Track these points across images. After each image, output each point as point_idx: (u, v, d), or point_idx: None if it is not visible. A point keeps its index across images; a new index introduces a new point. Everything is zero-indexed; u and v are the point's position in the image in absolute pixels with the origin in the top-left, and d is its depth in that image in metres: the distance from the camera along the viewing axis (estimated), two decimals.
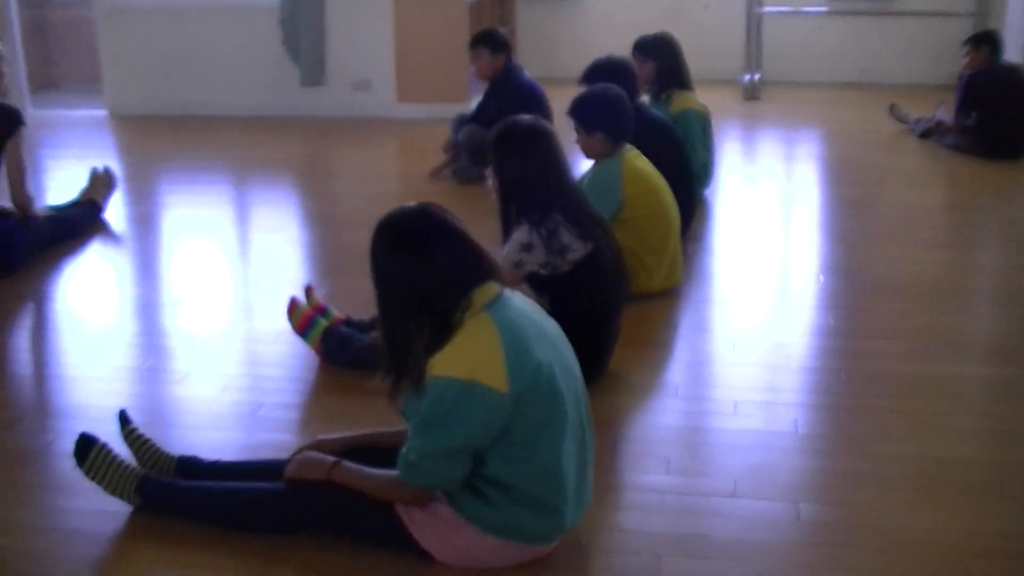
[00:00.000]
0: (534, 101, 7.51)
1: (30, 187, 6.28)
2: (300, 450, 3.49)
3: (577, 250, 4.35)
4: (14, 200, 6.21)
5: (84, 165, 7.24)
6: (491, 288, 3.14)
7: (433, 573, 3.23)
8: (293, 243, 6.83)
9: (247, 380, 4.75)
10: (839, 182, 8.27)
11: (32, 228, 6.20)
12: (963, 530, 3.49)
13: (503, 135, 4.41)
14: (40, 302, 5.80)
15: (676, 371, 4.89)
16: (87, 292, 5.95)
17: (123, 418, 3.72)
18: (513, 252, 4.38)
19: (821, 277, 5.97)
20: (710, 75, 10.90)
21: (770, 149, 9.79)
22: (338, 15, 10.33)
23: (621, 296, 4.57)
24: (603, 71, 6.16)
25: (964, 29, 10.93)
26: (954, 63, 9.94)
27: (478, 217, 4.24)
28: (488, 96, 8.00)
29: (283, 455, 3.58)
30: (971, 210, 7.53)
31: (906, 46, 12.04)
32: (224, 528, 3.43)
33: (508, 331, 3.05)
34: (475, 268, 3.14)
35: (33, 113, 10.66)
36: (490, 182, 4.46)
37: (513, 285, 3.34)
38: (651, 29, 7.49)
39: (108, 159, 8.20)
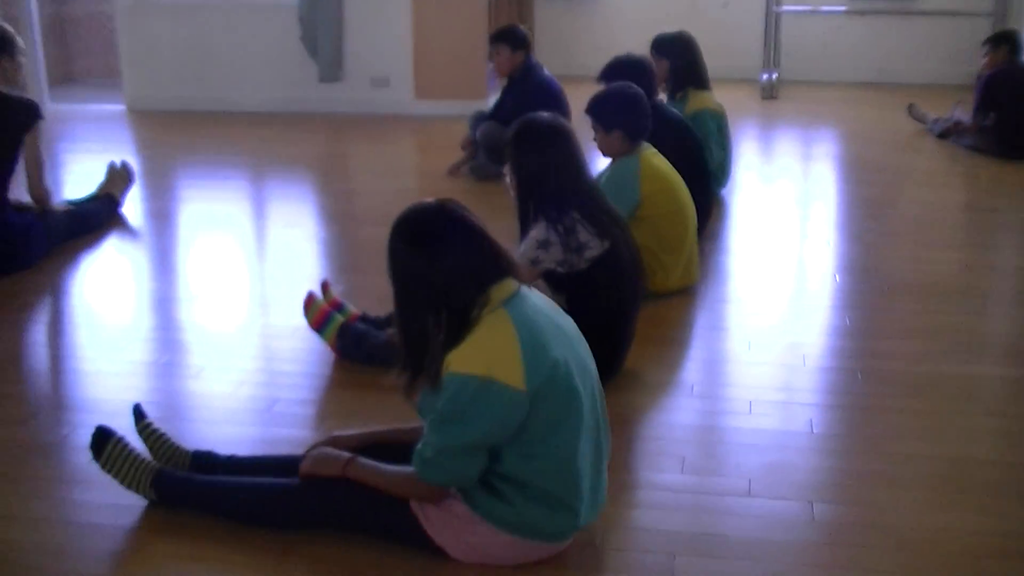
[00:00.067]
0: (552, 99, 7.50)
1: (48, 181, 6.28)
2: (315, 446, 3.49)
3: (594, 248, 4.35)
4: (32, 194, 6.22)
5: (102, 160, 7.25)
6: (509, 285, 3.14)
7: (447, 570, 3.23)
8: (310, 239, 6.83)
9: (263, 375, 4.75)
10: (856, 182, 8.26)
11: (50, 222, 6.21)
12: (978, 530, 3.48)
13: (522, 132, 4.41)
14: (57, 296, 5.82)
15: (692, 370, 4.89)
16: (104, 287, 5.96)
17: (138, 413, 3.73)
18: (530, 249, 4.37)
19: (837, 277, 5.96)
20: (728, 74, 10.90)
21: (787, 148, 9.77)
22: (357, 12, 10.34)
23: (638, 294, 4.57)
24: (621, 69, 6.17)
25: (983, 29, 10.91)
26: (972, 63, 9.93)
27: (495, 214, 4.24)
28: (506, 93, 8.00)
29: (298, 451, 3.59)
30: (988, 211, 7.51)
31: (925, 46, 12.02)
32: (239, 523, 3.43)
33: (525, 328, 3.05)
34: (493, 265, 3.13)
35: (51, 107, 10.71)
36: (508, 179, 4.46)
37: (530, 282, 3.34)
38: (669, 27, 7.49)
39: (126, 154, 8.21)
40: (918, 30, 11.98)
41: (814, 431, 4.16)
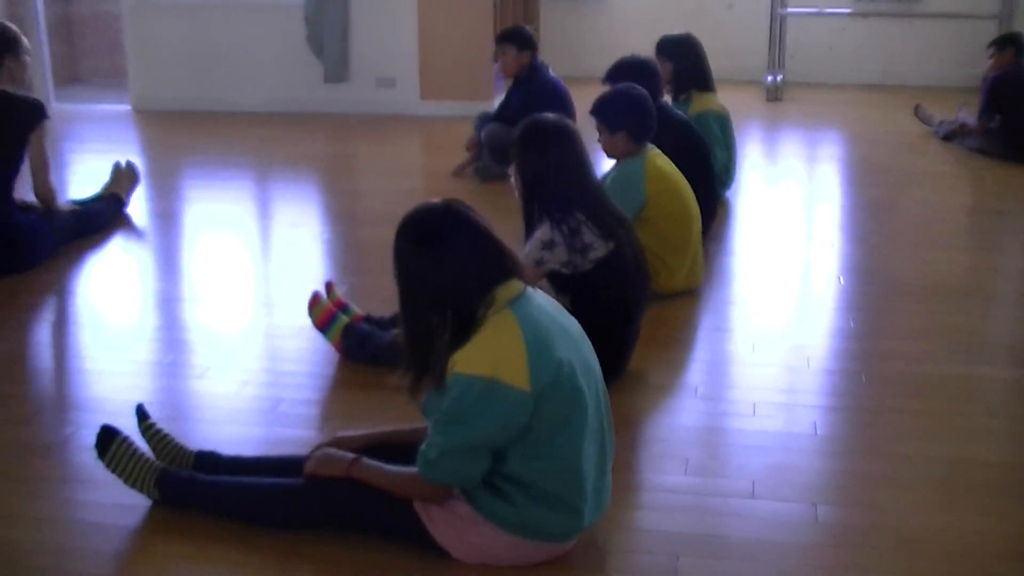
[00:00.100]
0: (558, 100, 7.50)
1: (53, 181, 6.29)
2: (319, 447, 3.50)
3: (599, 249, 4.35)
4: (37, 193, 6.22)
5: (107, 160, 7.26)
6: (514, 286, 3.14)
7: (450, 571, 3.23)
8: (314, 239, 6.83)
9: (267, 376, 4.76)
10: (861, 184, 8.25)
11: (55, 222, 6.21)
12: (981, 531, 3.48)
13: (527, 133, 4.41)
14: (62, 296, 5.82)
15: (696, 371, 4.88)
16: (108, 286, 5.96)
17: (140, 413, 3.73)
18: (535, 250, 4.37)
19: (841, 279, 5.96)
20: (733, 75, 10.90)
21: (792, 150, 9.77)
22: (362, 12, 10.35)
23: (642, 296, 4.57)
24: (626, 70, 6.16)
25: (988, 31, 10.91)
26: (977, 65, 9.92)
27: (500, 215, 4.23)
28: (512, 94, 8.00)
29: (302, 451, 3.59)
30: (993, 213, 7.50)
31: (930, 48, 12.02)
32: (242, 523, 3.43)
33: (530, 329, 3.05)
34: (499, 266, 3.14)
35: (57, 107, 10.73)
36: (513, 180, 4.47)
37: (534, 283, 3.35)
38: (674, 28, 7.49)
39: (131, 154, 8.23)
40: (923, 32, 11.98)
41: (818, 433, 4.16)
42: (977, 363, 4.86)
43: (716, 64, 7.41)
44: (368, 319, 4.86)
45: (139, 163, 7.36)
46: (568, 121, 4.51)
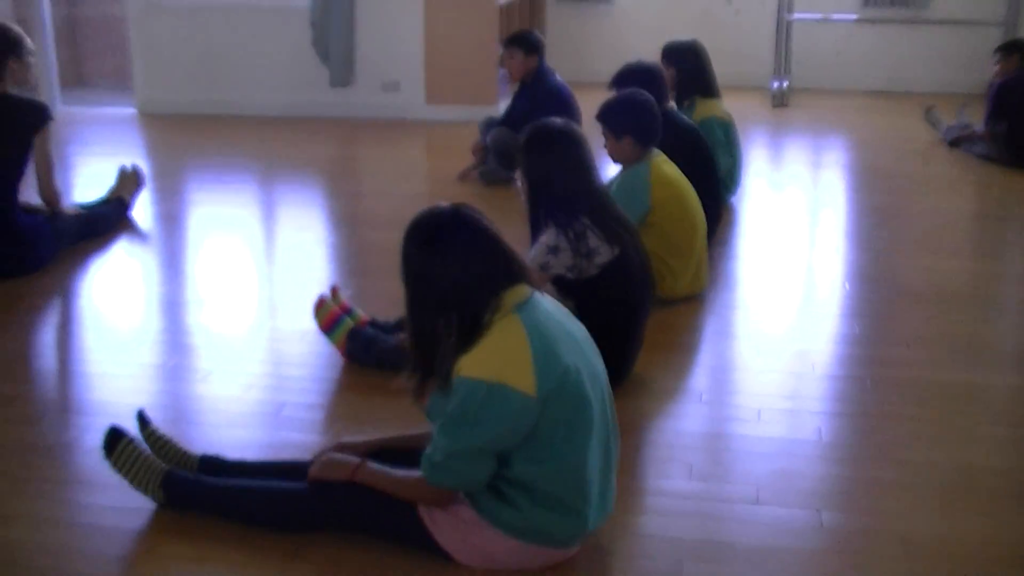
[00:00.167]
0: (564, 104, 7.51)
1: (58, 183, 6.29)
2: (323, 452, 3.49)
3: (604, 254, 4.34)
4: (42, 195, 6.22)
5: (112, 163, 7.26)
6: (522, 290, 3.14)
7: (453, 574, 3.23)
8: (319, 243, 6.83)
9: (271, 379, 4.75)
10: (866, 190, 8.24)
11: (59, 224, 6.21)
12: (986, 538, 3.48)
13: (533, 137, 4.41)
14: (66, 299, 5.82)
15: (700, 376, 4.88)
16: (113, 289, 5.96)
17: (142, 420, 3.73)
18: (540, 254, 4.37)
19: (846, 284, 5.95)
20: (739, 81, 10.91)
21: (797, 156, 9.76)
22: (368, 16, 10.35)
23: (647, 301, 4.56)
24: (632, 76, 6.17)
25: (994, 38, 10.90)
26: (984, 71, 9.92)
27: (505, 219, 4.22)
28: (518, 98, 8.00)
29: (306, 455, 3.59)
30: (999, 219, 7.50)
31: (936, 54, 12.01)
32: (246, 526, 3.43)
33: (537, 334, 3.05)
34: (506, 270, 3.14)
35: (62, 110, 10.74)
36: (518, 184, 4.46)
37: (539, 287, 3.34)
38: (680, 34, 7.49)
39: (136, 157, 8.24)
40: (929, 38, 11.97)
41: (822, 439, 4.15)
42: (982, 369, 4.85)
43: (722, 69, 7.41)
44: (373, 323, 4.86)
45: (144, 166, 7.37)
46: (574, 126, 4.51)
